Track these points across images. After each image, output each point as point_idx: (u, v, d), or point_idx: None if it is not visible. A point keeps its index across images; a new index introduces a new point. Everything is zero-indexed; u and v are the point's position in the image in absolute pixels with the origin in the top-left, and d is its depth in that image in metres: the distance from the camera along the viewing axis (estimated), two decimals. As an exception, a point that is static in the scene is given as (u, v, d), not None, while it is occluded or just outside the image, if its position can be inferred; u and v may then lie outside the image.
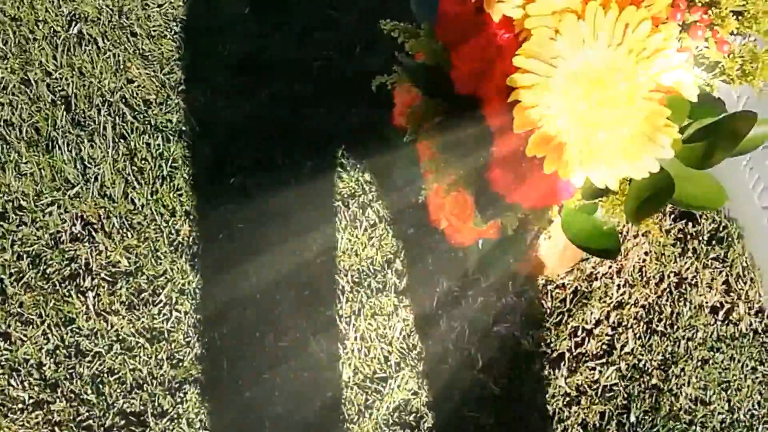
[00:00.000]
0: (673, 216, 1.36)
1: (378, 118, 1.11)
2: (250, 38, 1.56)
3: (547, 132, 0.90)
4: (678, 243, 1.34)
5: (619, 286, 1.30)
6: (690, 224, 1.35)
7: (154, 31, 1.57)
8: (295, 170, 1.41)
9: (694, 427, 1.18)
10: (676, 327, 1.26)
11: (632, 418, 1.19)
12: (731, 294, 1.29)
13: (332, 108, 1.44)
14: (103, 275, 1.33)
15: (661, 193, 0.92)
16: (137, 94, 1.51)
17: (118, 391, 1.23)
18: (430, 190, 1.11)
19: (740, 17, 0.91)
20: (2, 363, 1.27)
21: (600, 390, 1.22)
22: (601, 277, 1.30)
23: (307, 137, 1.43)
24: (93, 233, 1.36)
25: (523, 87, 0.90)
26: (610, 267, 1.31)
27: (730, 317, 1.28)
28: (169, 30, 1.57)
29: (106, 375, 1.25)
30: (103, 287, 1.32)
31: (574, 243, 1.09)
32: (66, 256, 1.35)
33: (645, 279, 1.30)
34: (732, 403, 1.21)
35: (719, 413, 1.20)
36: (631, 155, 0.88)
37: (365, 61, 1.43)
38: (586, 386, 1.22)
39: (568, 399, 1.21)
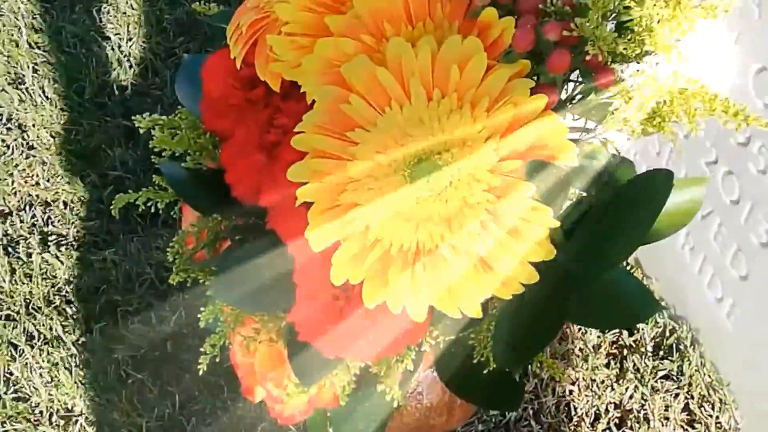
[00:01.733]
0: (601, 324, 1.07)
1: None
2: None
3: (360, 241, 0.61)
4: (612, 362, 1.05)
5: (540, 435, 0.99)
6: (624, 333, 1.07)
7: None
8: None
9: None
10: (626, 486, 0.96)
11: None
12: (697, 425, 1.00)
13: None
14: None
15: (549, 317, 0.63)
16: None
17: None
18: (232, 343, 0.80)
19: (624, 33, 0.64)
20: None
21: None
22: (513, 425, 1.00)
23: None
24: None
25: (313, 180, 0.62)
26: (524, 409, 1.01)
27: (701, 458, 0.98)
28: None
29: None
30: None
31: (456, 394, 0.80)
32: None
33: (574, 420, 1.00)
34: None
35: None
36: (491, 261, 0.60)
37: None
38: None
39: None
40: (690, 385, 1.03)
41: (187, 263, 0.74)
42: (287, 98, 0.73)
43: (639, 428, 1.00)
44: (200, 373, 0.70)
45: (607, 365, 1.05)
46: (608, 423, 1.01)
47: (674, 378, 1.04)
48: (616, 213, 0.61)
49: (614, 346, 1.07)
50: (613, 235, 0.60)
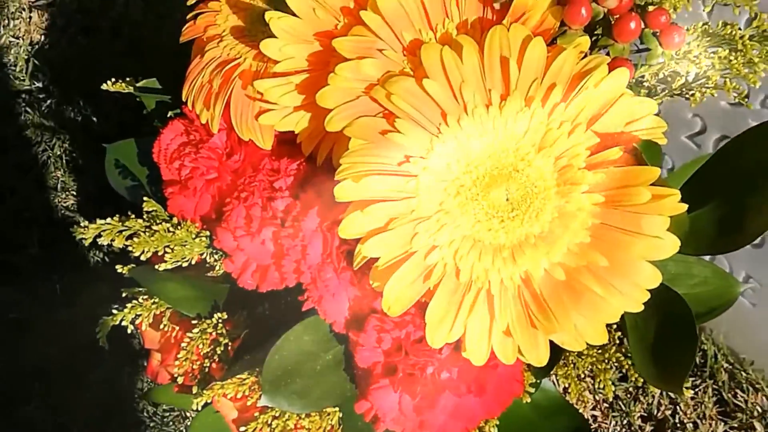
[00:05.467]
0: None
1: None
2: None
3: (450, 288, 0.52)
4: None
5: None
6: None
7: None
8: None
9: None
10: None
11: None
12: (735, 414, 0.95)
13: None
14: None
15: (683, 321, 0.56)
16: None
17: None
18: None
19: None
20: None
21: None
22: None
23: None
24: None
25: (372, 231, 0.53)
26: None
27: (751, 448, 0.93)
28: None
29: None
30: None
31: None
32: None
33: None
34: None
35: None
36: (613, 272, 0.52)
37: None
38: None
39: None
40: (713, 375, 0.98)
41: (209, 379, 0.62)
42: (278, 156, 0.63)
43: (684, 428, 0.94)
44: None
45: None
46: (649, 436, 0.95)
47: (693, 372, 0.99)
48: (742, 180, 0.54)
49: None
50: (741, 213, 0.54)
